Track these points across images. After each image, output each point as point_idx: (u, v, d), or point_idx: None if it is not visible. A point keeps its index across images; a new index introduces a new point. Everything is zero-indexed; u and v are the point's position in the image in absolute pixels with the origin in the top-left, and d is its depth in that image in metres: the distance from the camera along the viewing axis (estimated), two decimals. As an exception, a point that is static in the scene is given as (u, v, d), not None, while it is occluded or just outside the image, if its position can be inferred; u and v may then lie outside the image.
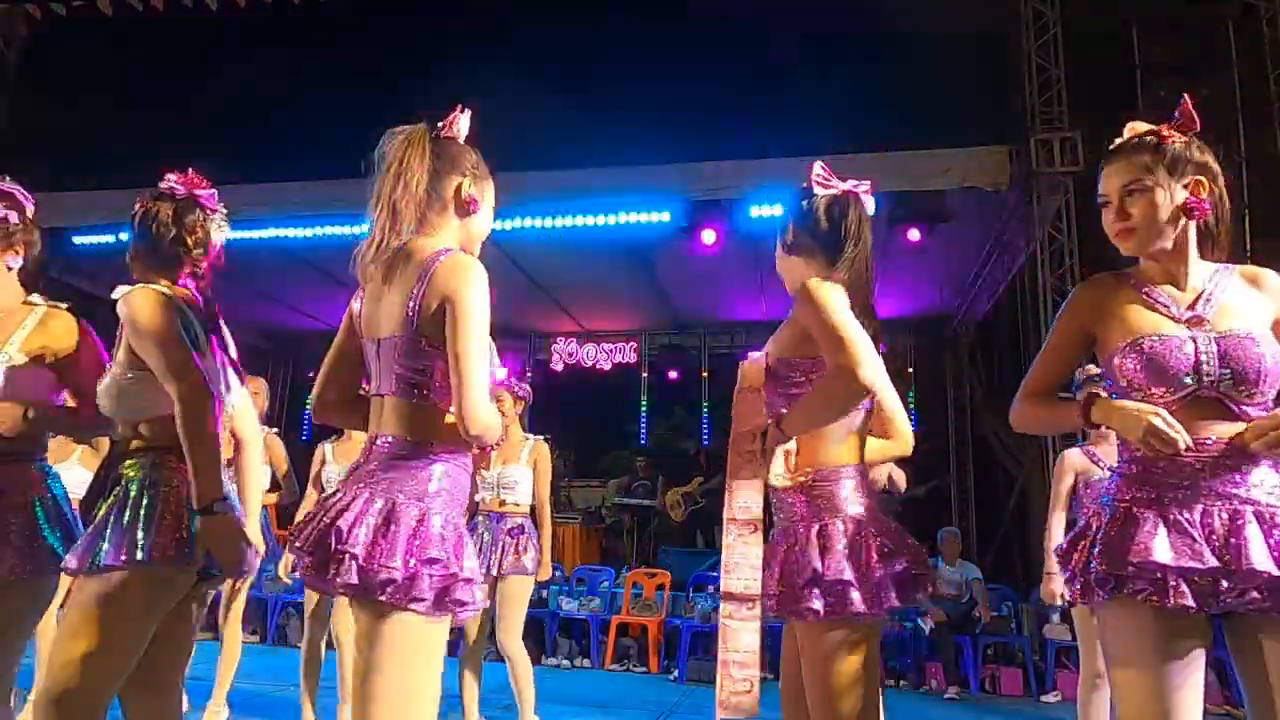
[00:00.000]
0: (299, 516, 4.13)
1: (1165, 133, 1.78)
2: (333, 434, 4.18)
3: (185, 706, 2.20)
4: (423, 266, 1.64)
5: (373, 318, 1.73)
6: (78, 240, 7.80)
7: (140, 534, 1.91)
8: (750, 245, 8.00)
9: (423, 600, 1.58)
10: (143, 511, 1.94)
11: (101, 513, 1.98)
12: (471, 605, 1.65)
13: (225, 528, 1.93)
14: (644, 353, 11.33)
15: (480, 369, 1.60)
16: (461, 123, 1.80)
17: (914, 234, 7.14)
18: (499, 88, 7.74)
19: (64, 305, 2.31)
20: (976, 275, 9.01)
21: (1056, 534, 3.62)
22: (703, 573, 7.32)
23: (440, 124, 1.78)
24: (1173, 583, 1.61)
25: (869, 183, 2.06)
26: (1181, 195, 1.74)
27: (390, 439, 1.67)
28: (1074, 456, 3.77)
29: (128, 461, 2.03)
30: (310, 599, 4.11)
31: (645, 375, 11.28)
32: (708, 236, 7.35)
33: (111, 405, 2.04)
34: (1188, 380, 1.69)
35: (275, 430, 4.39)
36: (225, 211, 2.26)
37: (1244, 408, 1.68)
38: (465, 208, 1.77)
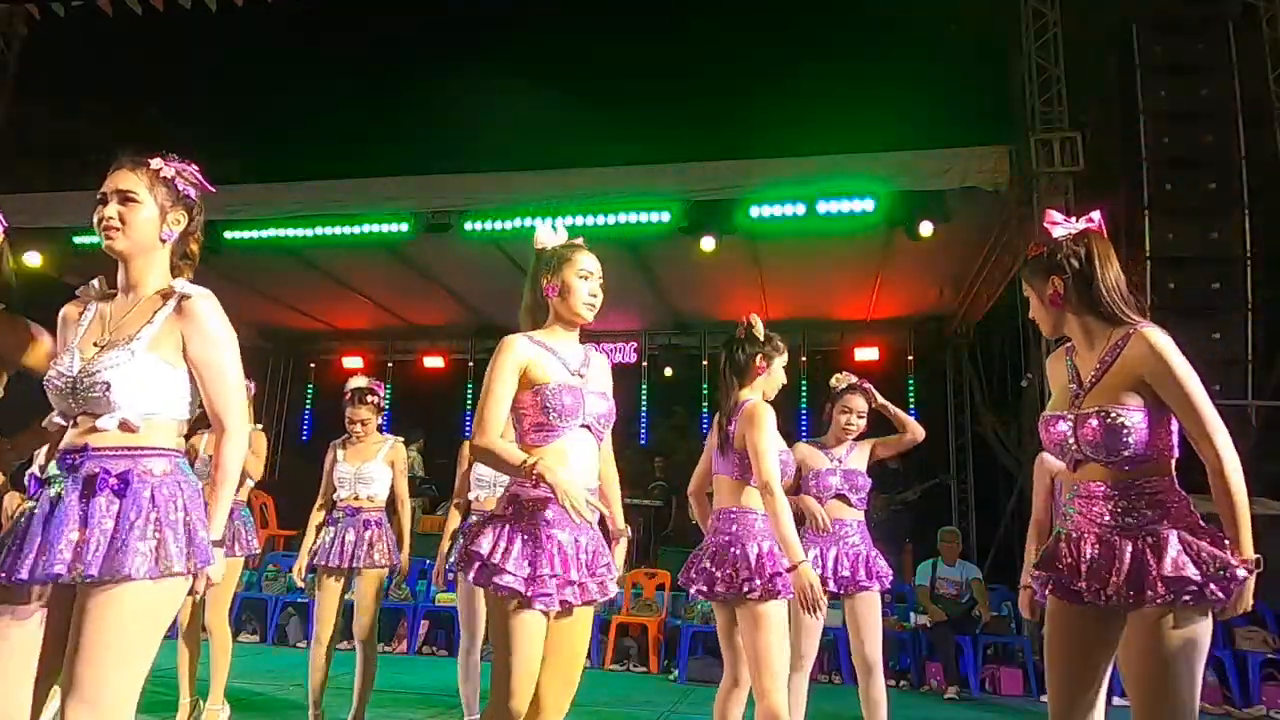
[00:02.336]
0: (315, 517, 4.17)
1: (1030, 252, 2.19)
2: (344, 434, 4.20)
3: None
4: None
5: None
6: (78, 240, 7.79)
7: (176, 544, 1.80)
8: (750, 245, 8.00)
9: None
10: (172, 519, 1.81)
11: (109, 516, 1.76)
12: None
13: (222, 565, 1.95)
14: (644, 353, 11.33)
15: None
16: (541, 233, 2.50)
17: (927, 228, 7.06)
18: (499, 88, 7.75)
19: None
20: (976, 275, 9.01)
21: (1032, 545, 3.57)
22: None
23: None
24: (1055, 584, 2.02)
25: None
26: (1050, 291, 2.10)
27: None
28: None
29: (130, 461, 1.84)
30: (325, 602, 3.98)
31: (645, 375, 11.28)
32: (706, 244, 7.35)
33: (132, 395, 1.83)
34: (1062, 452, 2.08)
35: (259, 426, 4.38)
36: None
37: (1120, 465, 1.97)
38: (547, 296, 2.46)
